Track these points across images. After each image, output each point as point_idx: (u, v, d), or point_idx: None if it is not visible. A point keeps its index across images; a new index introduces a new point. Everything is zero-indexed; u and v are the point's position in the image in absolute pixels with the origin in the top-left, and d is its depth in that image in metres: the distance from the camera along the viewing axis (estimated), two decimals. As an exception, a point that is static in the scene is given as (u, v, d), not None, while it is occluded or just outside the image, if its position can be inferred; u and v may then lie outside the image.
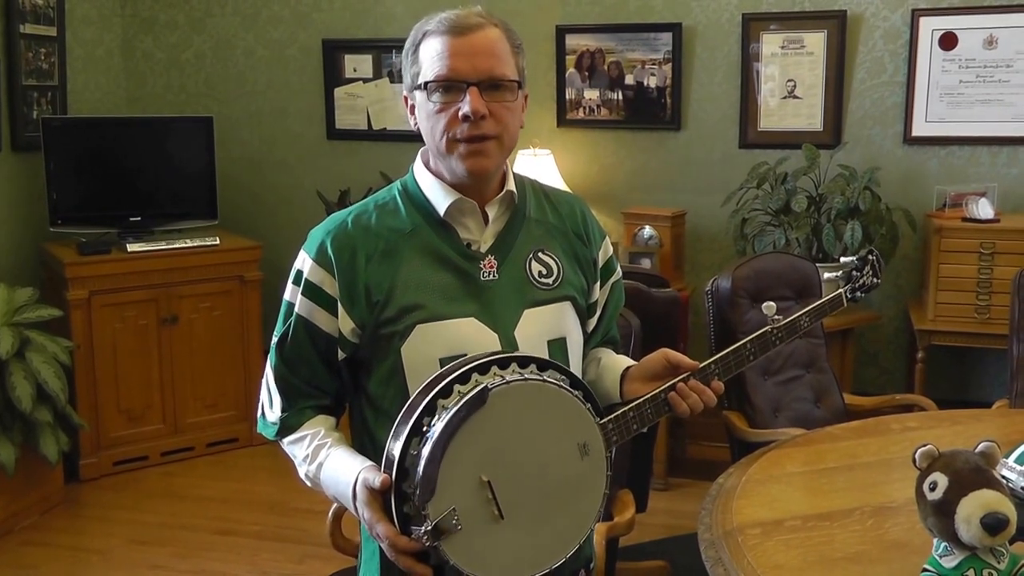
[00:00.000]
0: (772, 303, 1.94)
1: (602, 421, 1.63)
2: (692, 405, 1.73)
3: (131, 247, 4.78)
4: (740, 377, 3.03)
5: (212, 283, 4.96)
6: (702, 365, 1.79)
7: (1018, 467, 1.87)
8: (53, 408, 4.16)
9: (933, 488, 1.66)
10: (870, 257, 2.23)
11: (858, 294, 2.21)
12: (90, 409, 4.64)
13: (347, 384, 1.78)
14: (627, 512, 2.83)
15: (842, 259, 2.25)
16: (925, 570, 1.69)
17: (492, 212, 1.74)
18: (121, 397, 4.77)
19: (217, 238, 4.99)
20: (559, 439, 1.57)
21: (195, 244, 4.91)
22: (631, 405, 1.70)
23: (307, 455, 1.72)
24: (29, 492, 4.28)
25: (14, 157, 4.80)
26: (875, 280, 2.24)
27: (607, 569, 2.97)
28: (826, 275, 2.24)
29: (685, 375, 1.75)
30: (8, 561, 3.96)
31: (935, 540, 1.69)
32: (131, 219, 4.95)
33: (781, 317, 1.92)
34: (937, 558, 1.68)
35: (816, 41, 4.71)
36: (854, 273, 2.21)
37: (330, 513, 2.75)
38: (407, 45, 1.73)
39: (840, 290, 2.17)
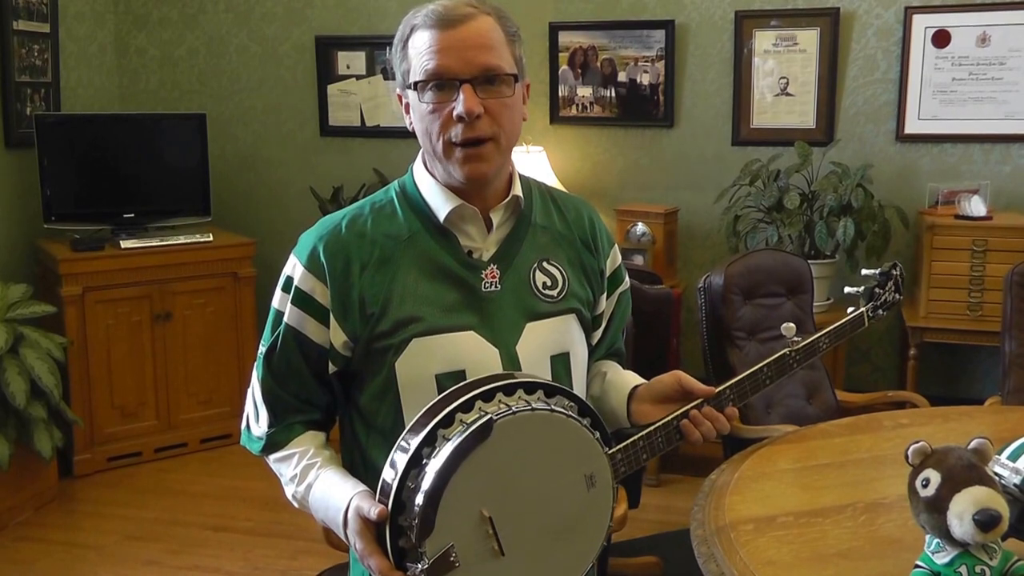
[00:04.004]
0: (792, 324, 1.86)
1: (611, 451, 1.56)
2: (705, 433, 1.66)
3: (124, 244, 4.77)
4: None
5: (206, 279, 4.95)
6: (717, 390, 1.71)
7: (1010, 464, 1.88)
8: (47, 404, 4.15)
9: (926, 484, 1.67)
10: (894, 272, 2.11)
11: (880, 312, 2.10)
12: (84, 405, 4.64)
13: (338, 397, 1.69)
14: (620, 508, 2.84)
15: (864, 271, 2.12)
16: (917, 566, 1.69)
17: (496, 218, 1.65)
18: (115, 393, 4.76)
19: (210, 235, 4.99)
20: (565, 471, 1.49)
21: (188, 241, 4.90)
22: (642, 434, 1.62)
23: (295, 475, 1.64)
24: (23, 488, 4.27)
25: (7, 154, 4.79)
26: (898, 296, 2.12)
27: (600, 566, 2.97)
28: (847, 289, 2.14)
29: (699, 401, 1.68)
30: (2, 557, 3.96)
31: (927, 536, 1.70)
32: (124, 216, 4.94)
33: (800, 339, 1.84)
34: (929, 554, 1.68)
35: (809, 38, 4.72)
36: (876, 290, 2.10)
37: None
38: (395, 41, 1.63)
39: (862, 309, 2.06)
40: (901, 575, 1.74)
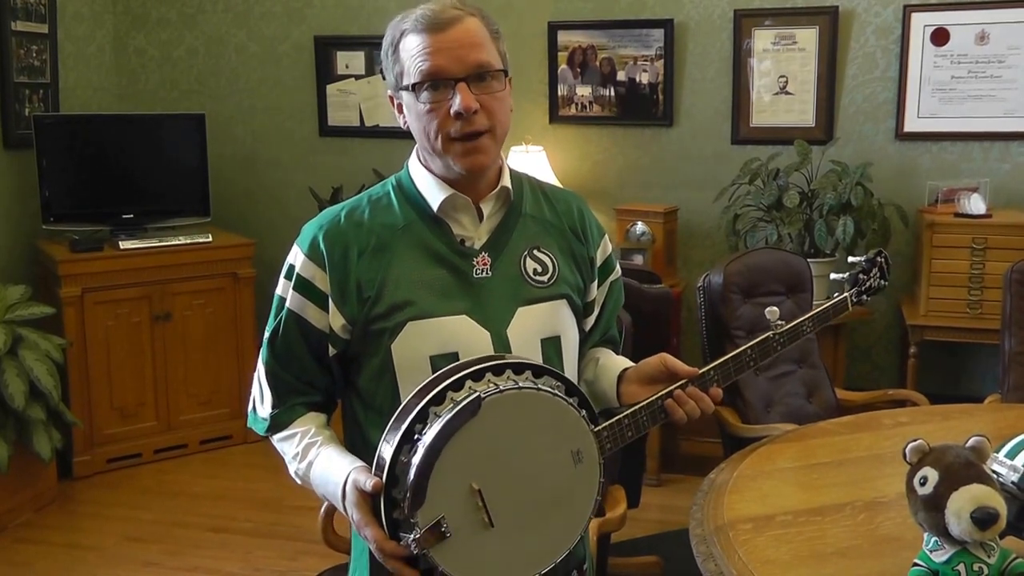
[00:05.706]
0: (775, 308, 1.89)
1: (596, 429, 1.62)
2: (689, 412, 1.72)
3: (124, 244, 4.77)
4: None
5: (205, 280, 4.95)
6: (701, 371, 1.77)
7: (1008, 462, 1.88)
8: (46, 406, 4.15)
9: (924, 483, 1.67)
10: (879, 259, 2.16)
11: (864, 297, 2.14)
12: (83, 406, 4.64)
13: (338, 380, 1.76)
14: (619, 508, 2.84)
15: (850, 259, 2.16)
16: (916, 565, 1.69)
17: (487, 208, 1.73)
18: (114, 394, 4.76)
19: (210, 235, 4.98)
20: (552, 447, 1.56)
21: (188, 241, 4.90)
22: (627, 412, 1.68)
23: (297, 453, 1.72)
24: (22, 490, 4.27)
25: (6, 154, 4.79)
26: (882, 282, 2.18)
27: (599, 565, 2.97)
28: (832, 275, 2.18)
29: (683, 382, 1.74)
30: (2, 559, 3.96)
31: (926, 535, 1.70)
32: (124, 216, 4.94)
33: (784, 322, 1.88)
34: (928, 552, 1.69)
35: (808, 37, 4.72)
36: (861, 276, 2.15)
37: (322, 510, 2.75)
38: (385, 45, 1.72)
39: (845, 294, 2.10)
40: (900, 574, 1.74)
